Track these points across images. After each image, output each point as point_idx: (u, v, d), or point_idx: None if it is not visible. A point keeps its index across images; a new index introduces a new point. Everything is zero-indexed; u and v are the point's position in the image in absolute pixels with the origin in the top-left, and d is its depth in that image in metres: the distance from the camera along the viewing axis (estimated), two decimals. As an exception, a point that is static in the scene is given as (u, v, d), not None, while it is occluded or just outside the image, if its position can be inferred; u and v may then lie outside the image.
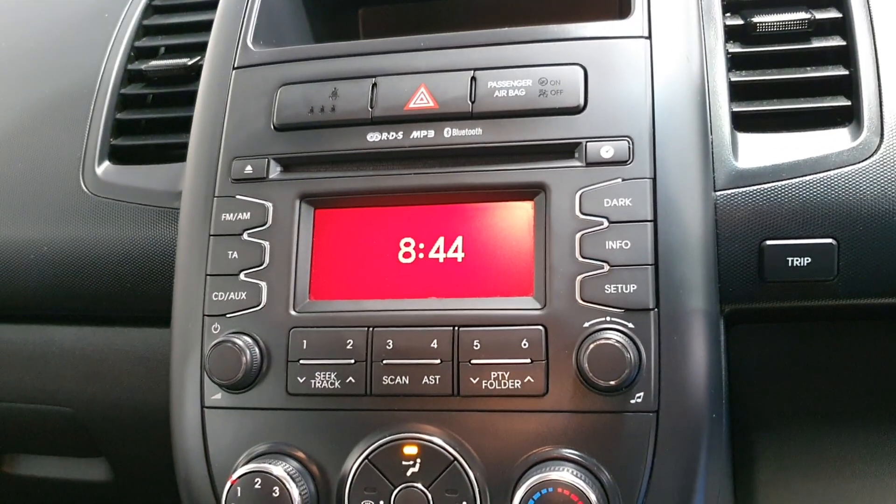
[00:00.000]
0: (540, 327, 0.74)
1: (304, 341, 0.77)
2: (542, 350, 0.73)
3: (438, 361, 0.75)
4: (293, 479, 0.74)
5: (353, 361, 0.76)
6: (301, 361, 0.77)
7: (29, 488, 1.21)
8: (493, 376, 0.74)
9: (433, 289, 0.78)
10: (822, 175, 0.79)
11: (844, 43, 0.86)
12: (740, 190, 0.80)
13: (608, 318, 0.73)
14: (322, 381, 0.77)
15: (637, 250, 0.74)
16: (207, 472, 0.79)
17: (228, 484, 0.75)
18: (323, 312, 0.78)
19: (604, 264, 0.74)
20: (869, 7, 0.87)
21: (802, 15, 0.87)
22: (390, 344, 0.76)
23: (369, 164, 0.81)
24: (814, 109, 0.84)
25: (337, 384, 0.76)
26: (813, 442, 0.90)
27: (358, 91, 0.82)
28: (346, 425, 0.76)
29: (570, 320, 0.73)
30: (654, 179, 0.75)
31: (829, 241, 0.78)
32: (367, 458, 0.75)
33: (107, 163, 1.00)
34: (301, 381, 0.77)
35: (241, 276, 0.80)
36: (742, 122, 0.85)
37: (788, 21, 0.87)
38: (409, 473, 0.74)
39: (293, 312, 0.78)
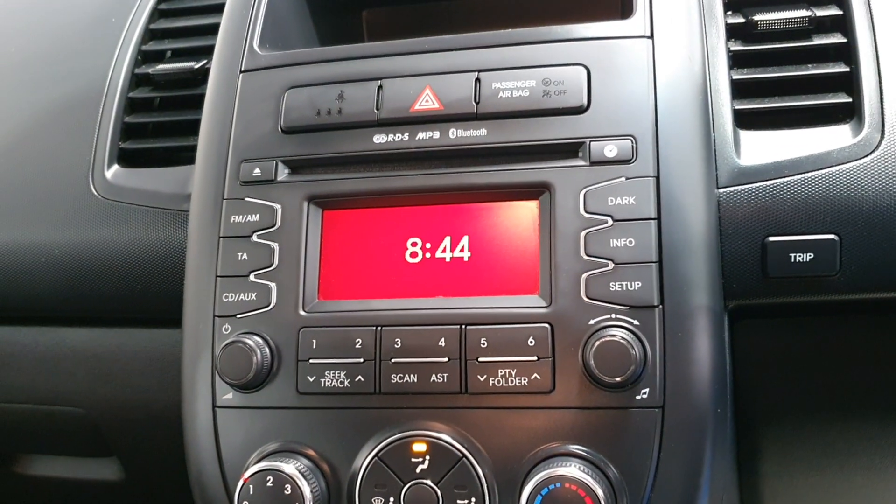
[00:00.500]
0: (546, 325, 0.75)
1: (314, 341, 0.78)
2: (549, 347, 0.74)
3: (446, 359, 0.76)
4: (304, 477, 0.75)
5: (362, 360, 0.77)
6: (311, 361, 0.78)
7: (41, 488, 1.22)
8: (500, 374, 0.75)
9: (440, 288, 0.79)
10: (824, 171, 0.80)
11: (845, 40, 0.87)
12: (743, 187, 0.80)
13: (613, 316, 0.74)
14: (332, 380, 0.78)
15: (641, 248, 0.74)
16: (220, 471, 0.80)
17: (241, 482, 0.76)
18: (332, 312, 0.79)
19: (608, 262, 0.75)
20: (869, 4, 0.87)
21: (803, 12, 0.88)
22: (398, 343, 0.77)
23: (376, 166, 0.82)
24: (815, 106, 0.85)
25: (346, 383, 0.77)
26: (817, 435, 0.91)
27: (364, 93, 0.83)
28: (356, 423, 0.77)
29: (575, 318, 0.74)
30: (658, 178, 0.76)
31: (832, 236, 0.78)
32: (376, 455, 0.76)
33: (116, 166, 1.01)
34: (311, 380, 0.78)
35: (251, 277, 0.81)
36: (744, 120, 0.86)
37: (789, 18, 0.88)
38: (418, 470, 0.75)
39: (303, 312, 0.79)
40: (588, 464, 0.72)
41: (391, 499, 0.75)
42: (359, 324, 0.78)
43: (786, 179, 0.80)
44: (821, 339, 0.87)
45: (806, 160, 0.81)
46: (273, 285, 0.80)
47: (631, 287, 0.74)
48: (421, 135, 0.81)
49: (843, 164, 0.80)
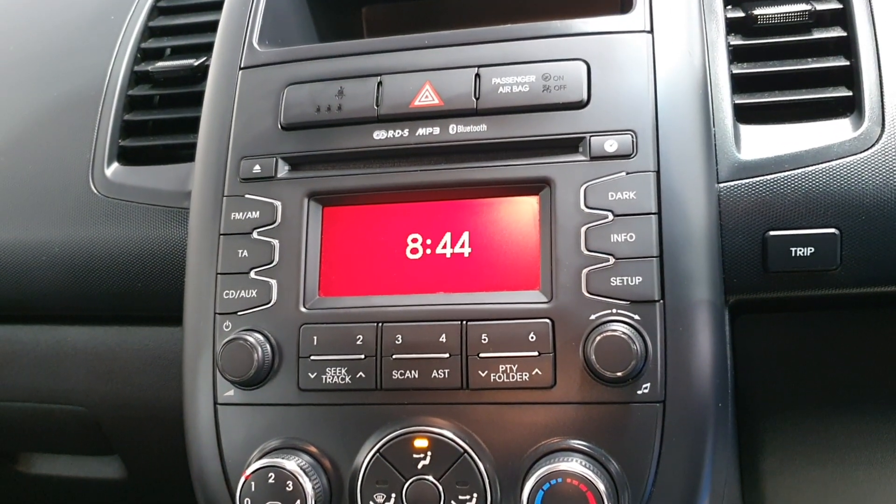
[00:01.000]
0: (547, 320, 0.75)
1: (315, 337, 0.78)
2: (550, 343, 0.74)
3: (447, 355, 0.76)
4: (306, 474, 0.75)
5: (363, 356, 0.77)
6: (312, 357, 0.78)
7: (44, 487, 1.22)
8: (501, 369, 0.75)
9: (441, 284, 0.79)
10: (824, 165, 0.80)
11: (845, 33, 0.87)
12: (743, 181, 0.80)
13: (614, 311, 0.74)
14: (333, 377, 0.78)
15: (642, 243, 0.74)
16: (221, 468, 0.80)
17: (242, 479, 0.76)
18: (333, 309, 0.79)
19: (609, 257, 0.75)
20: None
21: (803, 6, 0.88)
22: (399, 339, 0.77)
23: (376, 162, 0.82)
24: (815, 100, 0.85)
25: (348, 379, 0.77)
26: (818, 430, 0.91)
27: (363, 90, 0.83)
28: (358, 420, 0.77)
29: (576, 313, 0.74)
30: (658, 172, 0.76)
31: (832, 230, 0.78)
32: (378, 451, 0.76)
33: (116, 164, 1.01)
34: (312, 376, 0.78)
35: (252, 274, 0.81)
36: (744, 114, 0.85)
37: (789, 13, 0.88)
38: (420, 466, 0.75)
39: (303, 309, 0.79)
40: (589, 459, 0.72)
41: (393, 495, 0.75)
42: (359, 320, 0.78)
43: (786, 174, 0.80)
44: (822, 334, 0.87)
45: (806, 154, 0.81)
46: (274, 282, 0.80)
47: (632, 282, 0.74)
48: (421, 131, 0.81)
49: (843, 157, 0.80)
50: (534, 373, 0.74)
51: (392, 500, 0.75)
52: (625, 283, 0.74)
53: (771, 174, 0.80)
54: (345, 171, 0.82)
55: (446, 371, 0.76)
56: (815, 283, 0.80)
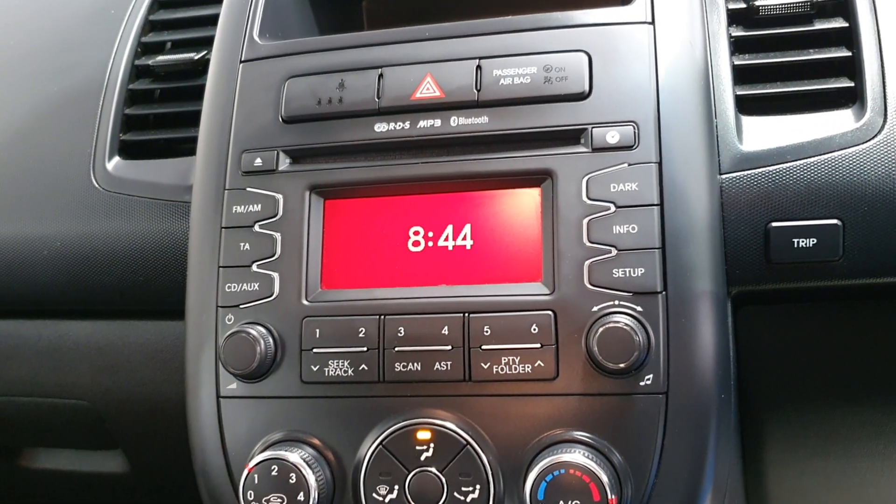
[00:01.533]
0: (549, 312, 0.74)
1: (317, 330, 0.78)
2: (552, 334, 0.74)
3: (450, 347, 0.76)
4: (309, 466, 0.75)
5: (365, 349, 0.77)
6: (314, 350, 0.78)
7: (47, 482, 1.23)
8: (503, 361, 0.75)
9: (443, 276, 0.79)
10: (826, 156, 0.79)
11: (847, 24, 0.86)
12: (745, 173, 0.80)
13: (617, 302, 0.74)
14: (335, 369, 0.78)
15: (644, 234, 0.74)
16: (224, 461, 0.80)
17: (245, 472, 0.76)
18: (335, 301, 0.79)
19: (611, 249, 0.75)
20: None
21: None
22: (402, 331, 0.77)
23: (377, 154, 0.82)
24: (817, 91, 0.85)
25: (350, 372, 0.77)
26: (821, 421, 0.91)
27: (364, 82, 0.83)
28: (360, 412, 0.77)
29: (578, 305, 0.74)
30: (660, 164, 0.76)
31: (835, 221, 0.78)
32: (381, 443, 0.76)
33: (117, 158, 1.01)
34: (315, 369, 0.78)
35: (254, 268, 0.81)
36: (746, 106, 0.85)
37: (791, 3, 0.87)
38: (422, 458, 0.75)
39: (305, 302, 0.79)
40: (592, 450, 0.72)
41: (396, 486, 0.75)
42: (362, 312, 0.78)
43: (788, 165, 0.80)
44: (824, 326, 0.87)
45: (808, 145, 0.81)
46: (276, 275, 0.80)
47: (634, 273, 0.74)
48: (422, 123, 0.81)
49: (845, 148, 0.79)
50: (536, 365, 0.74)
51: (395, 491, 0.75)
52: (627, 274, 0.74)
53: (773, 165, 0.80)
54: (346, 163, 0.82)
55: (449, 363, 0.76)
56: (818, 274, 0.80)
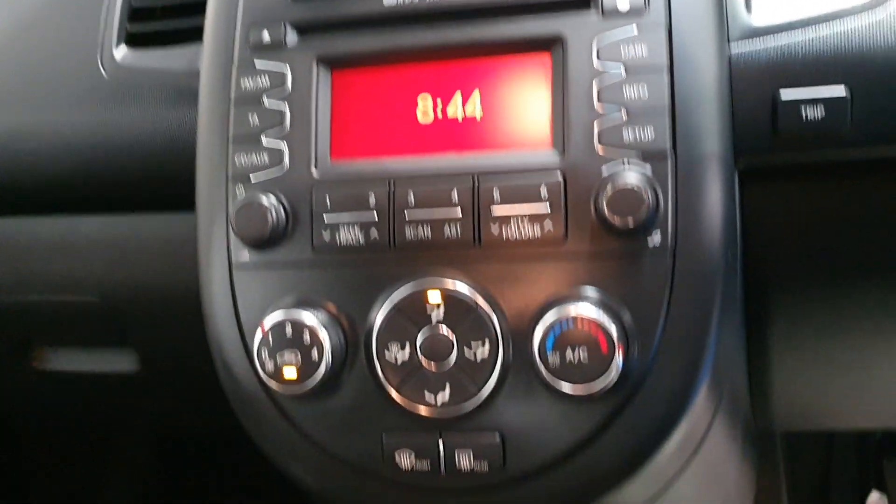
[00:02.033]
0: (559, 172, 0.75)
1: (327, 197, 0.79)
2: (561, 196, 0.75)
3: (459, 212, 0.76)
4: (324, 326, 0.76)
5: (375, 215, 0.78)
6: (325, 217, 0.79)
7: (58, 382, 1.24)
8: (513, 224, 0.75)
9: (453, 144, 0.79)
10: (836, 25, 0.79)
11: None
12: (754, 40, 0.80)
13: (626, 161, 0.74)
14: (346, 237, 0.78)
15: (654, 97, 0.75)
16: (238, 329, 0.81)
17: (259, 333, 0.77)
18: (345, 170, 0.80)
19: (621, 111, 0.75)
20: None
21: None
22: (411, 196, 0.77)
23: (386, 26, 0.82)
24: None
25: (361, 239, 0.78)
26: (826, 300, 0.91)
27: None
28: (372, 277, 0.78)
29: (588, 166, 0.75)
30: (670, 28, 0.76)
31: (843, 88, 0.78)
32: (393, 306, 0.77)
33: (124, 47, 1.01)
34: (326, 236, 0.79)
35: (263, 139, 0.81)
36: None
37: None
38: (433, 319, 0.76)
39: (315, 171, 0.80)
40: (602, 305, 0.73)
41: (407, 343, 0.77)
42: (371, 178, 0.78)
43: (797, 32, 0.80)
44: (832, 204, 0.87)
45: (817, 18, 0.80)
46: (285, 146, 0.81)
47: (643, 135, 0.74)
48: None
49: (854, 15, 0.79)
50: (546, 227, 0.75)
51: (407, 347, 0.77)
52: (637, 136, 0.74)
53: (782, 32, 0.80)
54: (354, 35, 0.82)
55: (458, 227, 0.76)
56: (826, 141, 0.80)
